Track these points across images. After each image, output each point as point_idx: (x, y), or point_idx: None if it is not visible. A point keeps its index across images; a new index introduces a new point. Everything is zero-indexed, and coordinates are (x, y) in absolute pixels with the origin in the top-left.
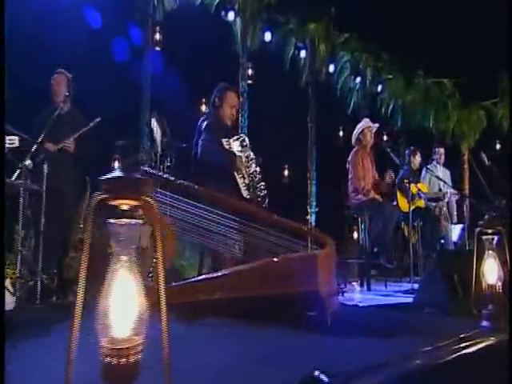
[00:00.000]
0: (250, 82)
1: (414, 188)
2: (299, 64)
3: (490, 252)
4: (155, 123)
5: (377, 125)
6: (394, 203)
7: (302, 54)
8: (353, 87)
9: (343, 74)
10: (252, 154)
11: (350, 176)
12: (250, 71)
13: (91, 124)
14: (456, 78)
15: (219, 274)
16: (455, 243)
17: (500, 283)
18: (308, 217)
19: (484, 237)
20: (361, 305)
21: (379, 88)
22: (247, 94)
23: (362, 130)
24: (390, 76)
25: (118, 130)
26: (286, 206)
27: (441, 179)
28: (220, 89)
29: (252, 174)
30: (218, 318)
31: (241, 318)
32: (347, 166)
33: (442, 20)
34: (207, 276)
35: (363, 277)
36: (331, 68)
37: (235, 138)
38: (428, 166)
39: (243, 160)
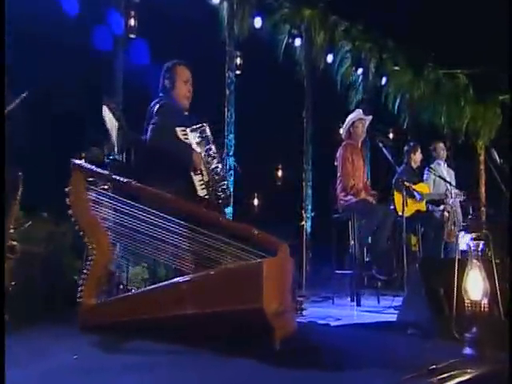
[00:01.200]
0: (237, 72)
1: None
2: (294, 54)
3: (474, 262)
4: (107, 112)
5: (370, 117)
6: (391, 207)
7: (297, 42)
8: (354, 80)
9: (343, 66)
10: (214, 147)
11: (338, 174)
12: (237, 61)
13: (17, 100)
14: (470, 69)
15: (143, 290)
16: (464, 252)
17: (486, 300)
18: (303, 223)
19: (468, 243)
20: (334, 324)
21: (384, 81)
22: (235, 86)
23: (353, 123)
24: (396, 68)
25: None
26: (279, 210)
27: (443, 179)
28: (168, 68)
29: (213, 171)
30: (142, 342)
31: (171, 342)
32: (335, 162)
33: (455, 4)
34: (130, 293)
35: (353, 290)
36: (330, 58)
37: (194, 127)
38: (431, 166)
39: (202, 155)
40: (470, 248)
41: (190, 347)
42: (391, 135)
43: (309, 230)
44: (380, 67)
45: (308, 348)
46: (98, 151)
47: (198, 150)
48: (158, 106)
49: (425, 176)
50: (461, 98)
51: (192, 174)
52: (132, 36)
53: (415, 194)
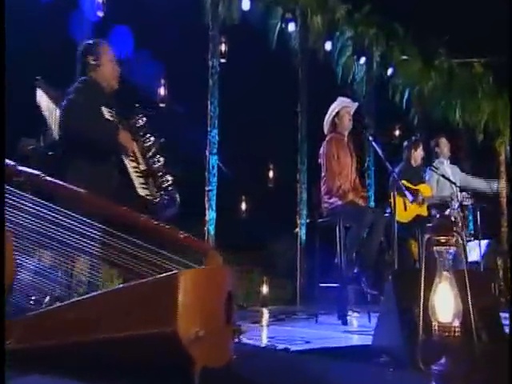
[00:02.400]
0: (222, 60)
1: (413, 189)
2: (287, 41)
3: (444, 274)
4: (43, 95)
5: (356, 104)
6: (388, 210)
7: (291, 27)
8: (356, 70)
9: (344, 54)
10: (150, 133)
11: (322, 174)
12: (222, 47)
13: None
14: (488, 57)
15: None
16: (475, 263)
17: (458, 322)
18: (297, 230)
19: (435, 249)
20: (296, 348)
21: (390, 71)
22: (219, 75)
23: (338, 112)
24: (404, 56)
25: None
26: (270, 216)
27: (448, 179)
28: (90, 46)
29: (151, 160)
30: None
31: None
32: (319, 160)
33: None
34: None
35: (339, 306)
36: (328, 46)
37: (126, 112)
38: (434, 164)
39: (135, 141)
40: (438, 255)
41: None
42: (398, 132)
43: (303, 237)
44: (386, 56)
45: (236, 381)
46: (30, 142)
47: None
48: (76, 83)
49: (427, 176)
50: (478, 90)
51: (124, 157)
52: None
53: (407, 194)
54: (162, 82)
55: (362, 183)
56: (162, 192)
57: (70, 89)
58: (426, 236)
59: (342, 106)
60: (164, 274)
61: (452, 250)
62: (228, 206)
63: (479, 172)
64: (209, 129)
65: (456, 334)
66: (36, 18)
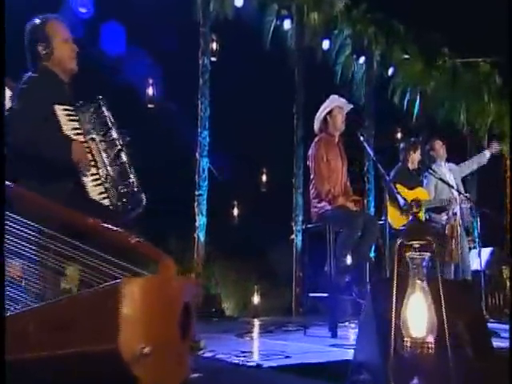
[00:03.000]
0: (213, 59)
1: (408, 194)
2: (283, 39)
3: (418, 282)
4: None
5: (351, 106)
6: (383, 217)
7: (286, 24)
8: (356, 70)
9: (343, 53)
10: (115, 132)
11: (311, 177)
12: (213, 45)
13: None
14: (494, 57)
15: None
16: (477, 272)
17: (432, 338)
18: (293, 236)
19: (409, 256)
20: (268, 365)
21: (391, 71)
22: (210, 74)
23: (331, 111)
24: (406, 56)
25: None
26: (264, 221)
27: (447, 183)
28: (36, 27)
29: (114, 162)
30: None
31: None
32: (308, 162)
33: None
34: None
35: (329, 318)
36: (326, 45)
37: (83, 104)
38: (431, 167)
39: (97, 140)
40: (410, 262)
41: None
42: (399, 135)
43: (299, 244)
44: (386, 55)
45: None
46: None
47: (93, 135)
48: (22, 83)
49: (425, 180)
50: (483, 91)
51: (81, 171)
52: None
53: (398, 198)
54: (150, 81)
55: (360, 188)
56: (124, 199)
57: (17, 88)
58: (398, 241)
59: (335, 105)
60: (105, 284)
61: (426, 256)
62: (219, 212)
63: (485, 177)
64: (199, 130)
65: (430, 351)
66: (24, 15)
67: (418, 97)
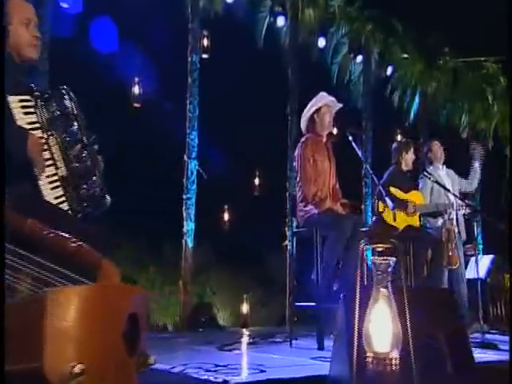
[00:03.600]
0: (204, 56)
1: (402, 197)
2: (276, 36)
3: (381, 291)
4: None
5: (340, 105)
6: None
7: (280, 22)
8: (353, 70)
9: (339, 52)
10: (76, 124)
11: (297, 179)
12: (204, 42)
13: None
14: (499, 56)
15: None
16: (477, 281)
17: (396, 353)
18: (286, 242)
19: (372, 260)
20: (236, 380)
21: (389, 71)
22: (199, 72)
23: (319, 109)
24: (405, 55)
25: None
26: (256, 227)
27: (443, 186)
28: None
29: (76, 159)
30: None
31: None
32: (294, 163)
33: None
34: None
35: (317, 329)
36: (321, 43)
37: (42, 93)
38: (427, 170)
39: (55, 136)
40: (374, 268)
41: None
42: (399, 137)
43: (294, 251)
44: (384, 54)
45: None
46: None
47: (53, 130)
48: None
49: (420, 183)
50: (487, 92)
51: (36, 171)
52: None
53: (387, 200)
54: (136, 80)
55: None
56: (85, 203)
57: None
58: (361, 245)
59: (323, 103)
60: (29, 295)
61: (391, 261)
62: (209, 217)
63: (489, 183)
64: (188, 131)
65: (393, 368)
66: None
67: (418, 98)
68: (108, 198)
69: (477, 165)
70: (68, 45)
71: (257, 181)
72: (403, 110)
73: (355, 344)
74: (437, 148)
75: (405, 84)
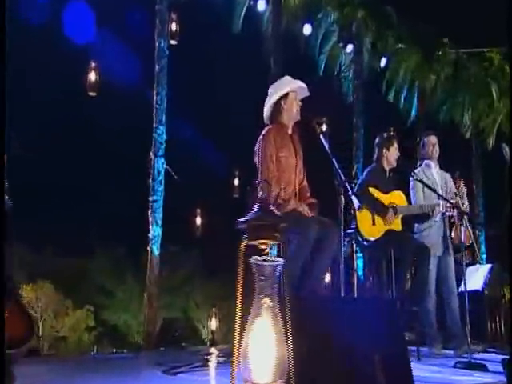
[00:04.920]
0: (172, 42)
1: (382, 198)
2: (256, 22)
3: (265, 301)
4: None
5: (308, 93)
6: (353, 225)
7: (261, 6)
8: (343, 60)
9: (328, 41)
10: None
11: (258, 176)
12: (173, 26)
13: None
14: (504, 47)
15: None
16: (475, 293)
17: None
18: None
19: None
20: None
21: (383, 62)
22: (168, 59)
23: (287, 95)
24: (401, 45)
25: None
26: (235, 233)
27: (429, 186)
28: None
29: None
30: None
31: None
32: (254, 159)
33: None
34: None
35: None
36: (307, 30)
37: None
38: (416, 171)
39: None
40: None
41: None
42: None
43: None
44: (378, 44)
45: None
46: None
47: None
48: None
49: (411, 184)
50: (491, 86)
51: None
52: None
53: (354, 200)
54: (93, 65)
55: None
56: None
57: None
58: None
59: (291, 88)
60: None
61: (279, 263)
62: (178, 221)
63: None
64: (154, 125)
65: None
66: None
67: (416, 93)
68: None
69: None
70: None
71: (236, 181)
72: (399, 105)
73: (234, 372)
74: (431, 143)
75: (400, 77)
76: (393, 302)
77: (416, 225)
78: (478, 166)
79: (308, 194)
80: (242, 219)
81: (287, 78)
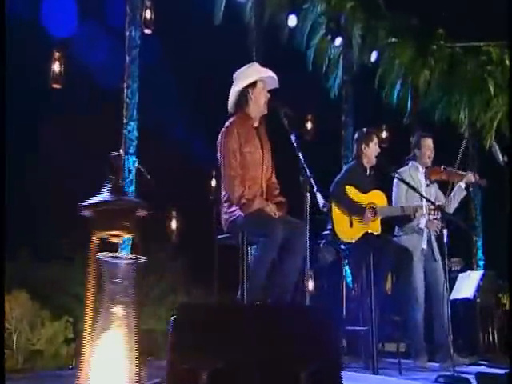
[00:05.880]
0: (146, 31)
1: (361, 198)
2: (238, 12)
3: (116, 310)
4: None
5: (277, 86)
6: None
7: None
8: (331, 54)
9: (315, 34)
10: None
11: (221, 174)
12: (147, 14)
13: None
14: (502, 41)
15: None
16: (468, 301)
17: None
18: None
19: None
20: None
21: (374, 57)
22: (139, 50)
23: (255, 84)
24: (393, 39)
25: None
26: (213, 238)
27: (412, 187)
28: None
29: None
30: None
31: None
32: (217, 154)
33: None
34: None
35: None
36: (292, 22)
37: None
38: (400, 170)
39: None
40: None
41: None
42: (384, 134)
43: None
44: (369, 37)
45: None
46: None
47: None
48: None
49: (394, 183)
50: (490, 82)
51: None
52: None
53: (318, 197)
54: (57, 55)
55: None
56: None
57: None
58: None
59: (259, 77)
60: None
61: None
62: (151, 226)
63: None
64: (124, 121)
65: None
66: None
67: (409, 89)
68: None
69: (463, 186)
70: None
71: (213, 182)
72: (391, 102)
73: None
74: (427, 147)
75: (393, 72)
76: (327, 312)
77: (397, 227)
78: (474, 167)
79: (276, 192)
80: (87, 202)
81: (255, 64)
